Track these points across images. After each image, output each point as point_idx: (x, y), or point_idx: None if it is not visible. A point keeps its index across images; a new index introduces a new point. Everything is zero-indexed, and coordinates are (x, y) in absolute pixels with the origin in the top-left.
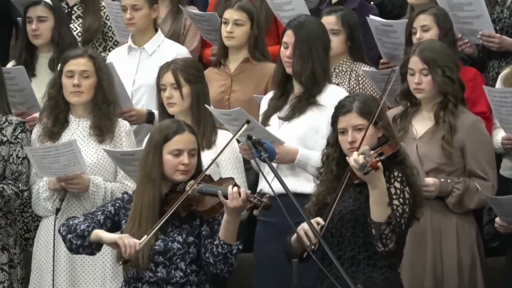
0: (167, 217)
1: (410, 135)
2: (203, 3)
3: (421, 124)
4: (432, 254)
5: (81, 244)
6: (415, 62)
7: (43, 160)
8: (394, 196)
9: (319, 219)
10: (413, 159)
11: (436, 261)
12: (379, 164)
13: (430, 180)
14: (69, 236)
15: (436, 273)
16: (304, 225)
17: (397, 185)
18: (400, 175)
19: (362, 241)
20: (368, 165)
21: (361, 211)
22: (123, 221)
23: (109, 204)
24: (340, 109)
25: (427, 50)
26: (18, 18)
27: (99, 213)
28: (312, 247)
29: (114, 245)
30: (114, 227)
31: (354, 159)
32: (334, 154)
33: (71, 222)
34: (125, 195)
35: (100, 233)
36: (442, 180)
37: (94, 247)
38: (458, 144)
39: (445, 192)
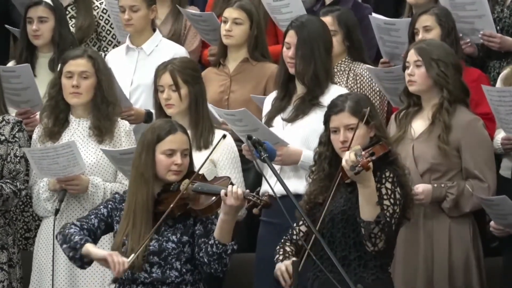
0: (159, 223)
1: (408, 136)
2: (203, 4)
3: (419, 125)
4: (423, 255)
5: (72, 256)
6: (410, 55)
7: (42, 161)
8: (385, 197)
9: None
10: (408, 160)
11: (427, 263)
12: (370, 164)
13: (419, 188)
14: (63, 246)
15: (427, 275)
16: (280, 266)
17: (388, 185)
18: (391, 175)
19: (353, 241)
20: (359, 165)
21: (352, 211)
22: (116, 222)
23: (102, 206)
24: (333, 108)
25: (424, 45)
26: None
27: (93, 216)
28: None
29: (103, 261)
30: (108, 229)
31: (346, 159)
32: (326, 153)
33: (66, 231)
34: (116, 195)
35: (90, 248)
36: (435, 185)
37: (85, 261)
38: (454, 143)
39: (439, 197)
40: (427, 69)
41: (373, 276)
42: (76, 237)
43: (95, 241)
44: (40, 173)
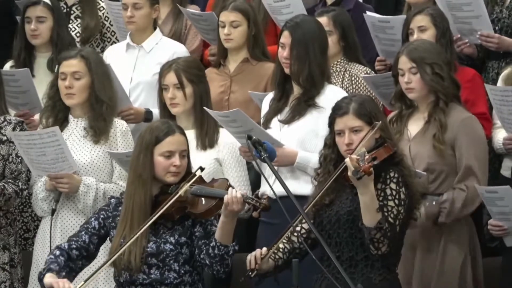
0: (149, 222)
1: (404, 137)
2: (204, 3)
3: (414, 125)
4: (420, 257)
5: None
6: (403, 62)
7: (30, 150)
8: (390, 197)
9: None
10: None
11: (424, 264)
12: (371, 169)
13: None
14: None
15: (423, 276)
16: (253, 252)
17: (393, 186)
18: (396, 176)
19: (359, 241)
20: (361, 170)
21: (358, 211)
22: (111, 229)
23: (93, 219)
24: (337, 111)
25: (414, 49)
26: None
27: (83, 232)
28: (250, 273)
29: None
30: (103, 239)
31: (348, 164)
32: (332, 155)
33: (47, 257)
34: (112, 200)
35: (46, 279)
36: (427, 204)
37: None
38: (449, 141)
39: (434, 215)
40: (422, 75)
41: (380, 276)
42: (46, 264)
43: (89, 256)
44: (32, 167)
